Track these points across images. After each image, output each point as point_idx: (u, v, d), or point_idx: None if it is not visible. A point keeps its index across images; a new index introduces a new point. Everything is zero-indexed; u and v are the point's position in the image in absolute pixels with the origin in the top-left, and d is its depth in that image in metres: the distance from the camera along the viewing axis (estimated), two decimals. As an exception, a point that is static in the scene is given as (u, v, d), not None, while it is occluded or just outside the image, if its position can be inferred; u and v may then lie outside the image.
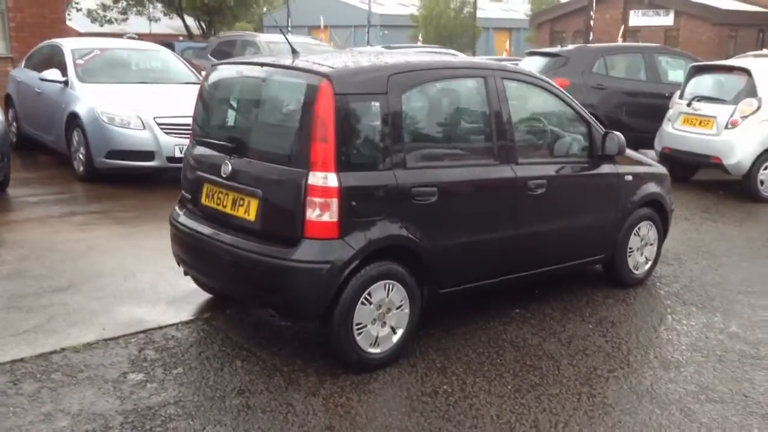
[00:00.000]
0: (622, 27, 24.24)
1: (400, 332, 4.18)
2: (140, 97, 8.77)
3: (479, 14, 55.06)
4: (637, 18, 34.36)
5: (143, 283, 5.40)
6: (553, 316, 4.97)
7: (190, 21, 27.10)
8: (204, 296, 5.11)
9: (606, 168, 5.16)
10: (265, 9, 29.19)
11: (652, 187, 5.55)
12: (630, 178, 5.36)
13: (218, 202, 4.30)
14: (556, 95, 4.99)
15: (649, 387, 3.99)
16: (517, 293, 5.12)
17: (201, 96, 4.71)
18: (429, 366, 4.18)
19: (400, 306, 4.14)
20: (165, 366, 4.11)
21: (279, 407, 3.71)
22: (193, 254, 4.53)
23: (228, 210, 4.23)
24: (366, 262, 3.95)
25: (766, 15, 34.16)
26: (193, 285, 5.18)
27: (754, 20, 33.67)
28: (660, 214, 5.67)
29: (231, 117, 4.58)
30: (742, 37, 31.98)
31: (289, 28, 23.76)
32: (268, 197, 4.00)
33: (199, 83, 9.70)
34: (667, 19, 33.14)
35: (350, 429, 3.54)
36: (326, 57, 4.36)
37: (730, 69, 9.45)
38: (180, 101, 8.91)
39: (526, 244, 4.73)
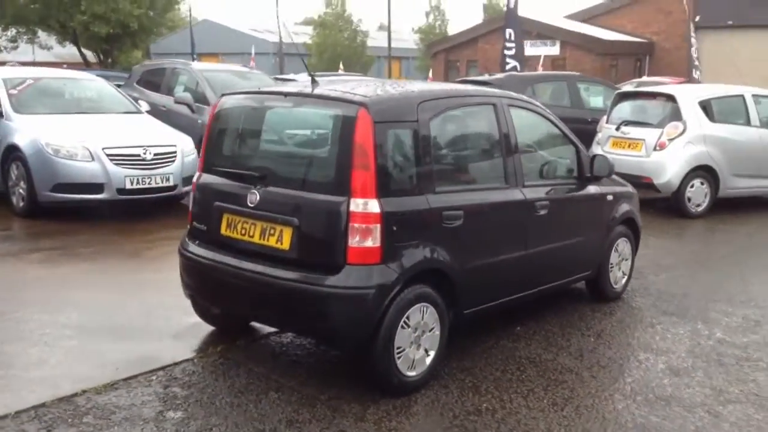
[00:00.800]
0: (542, 56, 25.29)
1: (432, 354, 4.26)
2: (85, 127, 8.47)
3: (370, 43, 56.18)
4: (526, 48, 35.92)
5: (137, 318, 5.22)
6: (553, 332, 5.18)
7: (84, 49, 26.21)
8: (206, 329, 5.01)
9: (592, 189, 5.47)
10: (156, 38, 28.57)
11: (626, 206, 5.91)
12: (611, 197, 5.70)
13: (243, 232, 4.25)
14: (549, 120, 5.27)
15: (672, 393, 4.23)
16: (511, 312, 5.30)
17: (212, 125, 4.65)
18: (460, 386, 4.27)
19: (432, 328, 4.22)
20: (200, 402, 4.00)
21: (334, 435, 3.71)
22: (214, 285, 4.44)
23: (256, 240, 4.19)
24: (405, 286, 4.02)
25: (643, 45, 36.60)
26: (191, 319, 5.08)
27: (632, 50, 36.00)
28: (633, 231, 6.04)
29: (255, 146, 4.53)
30: (622, 66, 34.13)
31: (195, 56, 23.35)
32: (305, 225, 4.00)
33: (138, 113, 9.60)
34: (554, 49, 34.85)
35: (413, 451, 3.59)
36: (352, 86, 4.42)
37: (654, 95, 10.15)
38: (126, 131, 8.71)
39: (534, 262, 4.94)
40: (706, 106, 9.61)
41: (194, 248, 4.54)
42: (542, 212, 4.91)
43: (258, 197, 4.17)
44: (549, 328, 5.25)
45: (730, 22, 32.91)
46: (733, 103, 9.96)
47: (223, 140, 4.66)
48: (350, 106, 4.01)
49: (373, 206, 3.87)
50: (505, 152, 4.74)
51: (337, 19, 57.74)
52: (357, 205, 3.87)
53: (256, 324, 5.09)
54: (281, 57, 26.44)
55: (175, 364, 4.49)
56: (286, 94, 4.39)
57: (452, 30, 50.86)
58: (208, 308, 4.85)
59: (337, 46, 51.19)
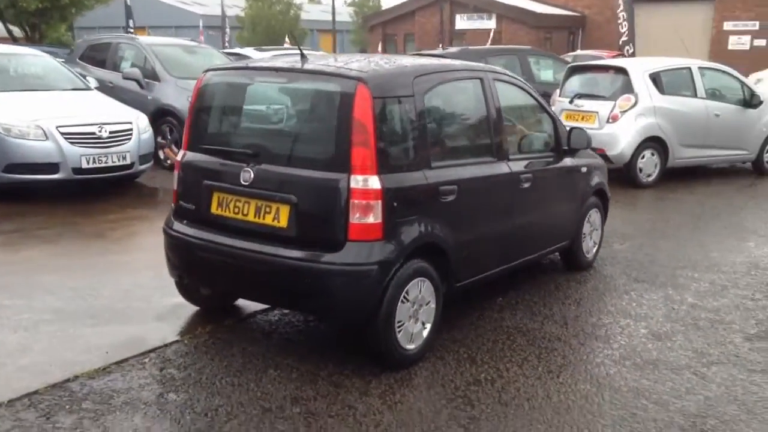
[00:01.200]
0: (492, 30, 25.33)
1: (428, 327, 4.30)
2: (35, 105, 8.16)
3: (303, 16, 55.51)
4: (462, 22, 36.09)
5: (115, 301, 5.10)
6: (534, 302, 5.30)
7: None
8: (190, 309, 4.93)
9: (569, 161, 5.58)
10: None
11: (597, 178, 6.05)
12: (585, 169, 5.83)
13: (236, 210, 4.18)
14: (529, 93, 5.34)
15: (658, 356, 4.39)
16: (491, 284, 5.36)
17: (197, 102, 4.53)
18: (456, 357, 4.33)
19: (428, 302, 4.27)
20: (199, 383, 3.96)
21: (341, 410, 3.71)
22: (205, 265, 4.36)
23: (250, 218, 4.13)
24: (404, 261, 4.03)
25: (576, 18, 37.21)
26: (172, 299, 5.01)
27: (566, 23, 36.55)
28: (603, 202, 6.20)
29: (246, 124, 4.44)
30: (556, 39, 34.64)
31: (131, 29, 22.59)
32: (303, 203, 3.96)
33: (88, 89, 9.28)
34: (490, 23, 35.12)
35: (423, 422, 3.62)
36: (344, 60, 4.37)
37: (605, 68, 10.37)
38: (79, 108, 8.43)
39: (520, 234, 5.03)
40: (655, 78, 9.88)
41: (182, 227, 4.44)
42: (526, 185, 4.99)
43: (252, 175, 4.10)
44: (529, 298, 5.36)
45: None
46: (681, 75, 10.27)
47: (210, 118, 4.55)
48: (348, 81, 3.97)
49: (374, 182, 3.86)
50: (492, 126, 4.79)
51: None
52: (357, 181, 3.86)
53: (240, 302, 5.06)
54: (223, 31, 25.83)
55: (166, 345, 4.42)
56: (277, 70, 4.31)
57: (386, 3, 50.66)
58: (196, 288, 4.78)
59: (270, 19, 50.43)
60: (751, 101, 10.52)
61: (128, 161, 8.24)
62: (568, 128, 5.52)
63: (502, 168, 4.78)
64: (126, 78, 10.48)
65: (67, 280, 5.49)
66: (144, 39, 11.55)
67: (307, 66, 4.25)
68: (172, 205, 4.65)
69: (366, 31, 40.83)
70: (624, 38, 15.90)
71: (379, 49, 30.10)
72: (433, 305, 4.30)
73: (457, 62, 4.97)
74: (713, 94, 10.38)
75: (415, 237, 4.08)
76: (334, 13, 29.71)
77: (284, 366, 4.18)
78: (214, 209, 4.29)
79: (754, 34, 34.86)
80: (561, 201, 5.57)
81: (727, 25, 35.38)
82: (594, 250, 6.16)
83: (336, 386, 3.96)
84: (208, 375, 4.06)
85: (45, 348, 4.34)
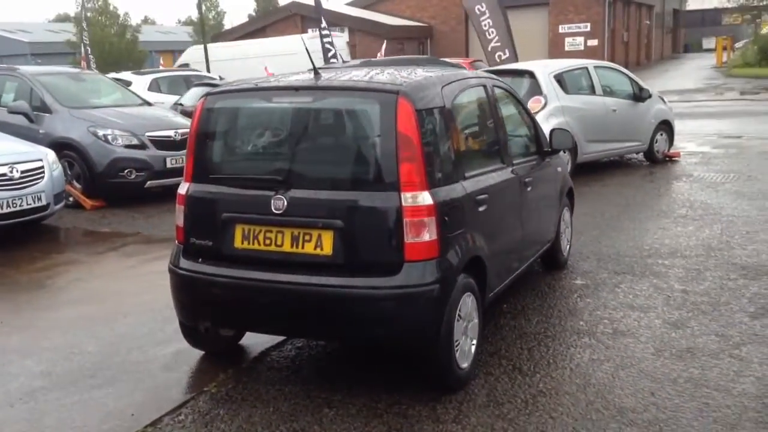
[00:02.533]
0: (385, 42, 25.19)
1: (475, 343, 4.18)
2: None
3: (141, 38, 53.57)
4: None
5: (108, 357, 4.57)
6: (538, 305, 5.28)
7: None
8: (194, 355, 4.51)
9: (551, 162, 5.64)
10: None
11: (568, 177, 6.18)
12: (560, 169, 5.92)
13: (268, 242, 3.85)
14: (516, 99, 5.34)
15: (688, 345, 4.49)
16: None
17: (199, 129, 4.13)
18: (503, 371, 4.21)
19: (473, 317, 4.14)
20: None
21: (427, 441, 3.51)
22: (233, 304, 3.98)
23: (286, 249, 3.82)
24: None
25: (423, 29, 38.30)
26: (168, 347, 4.63)
27: (415, 34, 37.53)
28: (570, 200, 6.33)
29: (269, 148, 4.09)
30: (408, 49, 35.47)
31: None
32: (350, 227, 3.70)
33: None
34: (343, 36, 35.31)
35: (516, 442, 3.50)
36: (364, 74, 4.14)
37: (514, 72, 10.65)
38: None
39: (526, 238, 5.01)
40: (560, 80, 10.27)
41: (198, 267, 4.04)
42: (529, 189, 4.99)
43: (285, 202, 3.80)
44: (531, 302, 5.35)
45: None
46: (581, 75, 10.75)
47: (218, 145, 4.16)
48: (386, 95, 3.76)
49: (426, 198, 3.68)
50: (499, 132, 4.75)
51: (99, 15, 54.37)
52: (409, 198, 3.66)
53: (245, 341, 4.69)
54: (87, 57, 24.25)
55: (193, 398, 4.02)
56: (298, 88, 4.00)
57: (228, 21, 49.84)
58: (215, 332, 4.36)
59: (105, 43, 48.20)
60: (640, 95, 11.19)
61: (44, 202, 7.48)
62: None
63: (510, 174, 4.73)
64: (12, 112, 9.53)
65: (38, 339, 4.87)
66: (26, 69, 10.57)
67: (336, 82, 4.00)
68: (177, 243, 4.22)
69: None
70: (495, 44, 16.43)
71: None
72: (476, 320, 4.18)
73: (466, 71, 4.89)
74: (608, 91, 10.95)
75: (465, 251, 3.94)
76: (204, 32, 28.61)
77: (336, 402, 3.89)
78: (239, 243, 3.93)
79: (587, 36, 37.52)
80: (548, 202, 5.61)
81: (562, 28, 37.85)
82: (568, 248, 6.27)
83: (404, 417, 3.73)
84: (262, 424, 3.70)
85: (60, 420, 3.80)
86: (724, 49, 41.28)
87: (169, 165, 9.52)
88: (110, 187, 9.32)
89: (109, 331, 4.98)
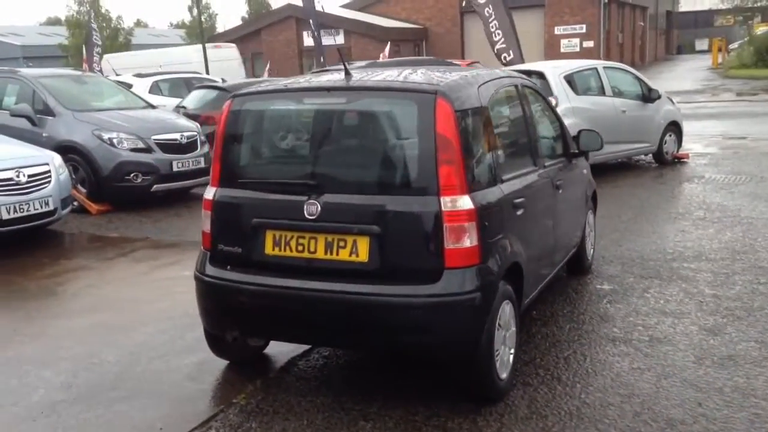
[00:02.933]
0: (388, 44, 25.13)
1: (513, 352, 4.04)
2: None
3: (134, 41, 53.48)
4: (310, 39, 36.09)
5: (130, 367, 4.41)
6: (568, 311, 5.15)
7: None
8: (218, 364, 4.35)
9: (577, 164, 5.51)
10: None
11: (592, 180, 6.06)
12: (585, 171, 5.80)
13: (300, 248, 3.71)
14: (544, 98, 5.21)
15: (728, 353, 4.34)
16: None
17: (227, 132, 3.98)
18: (541, 381, 4.07)
19: (511, 325, 4.00)
20: (295, 449, 3.46)
21: (472, 456, 3.37)
22: (264, 312, 3.83)
23: (320, 255, 3.67)
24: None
25: (418, 31, 38.19)
26: (191, 356, 4.48)
27: (410, 36, 37.41)
28: (594, 204, 6.20)
29: (299, 151, 3.95)
30: (404, 51, 35.34)
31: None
32: (387, 232, 3.55)
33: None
34: (339, 39, 35.22)
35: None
36: (397, 73, 3.99)
37: (523, 73, 10.51)
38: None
39: (557, 242, 4.88)
40: (570, 80, 10.17)
41: (227, 274, 3.88)
42: (560, 192, 4.86)
43: (319, 208, 3.65)
44: (560, 309, 5.21)
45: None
46: (590, 76, 10.64)
47: (247, 148, 4.01)
48: (424, 95, 3.62)
49: (466, 202, 3.54)
50: (531, 133, 4.62)
51: (91, 19, 54.17)
52: (449, 203, 3.52)
53: (269, 350, 4.54)
54: (91, 56, 24.16)
55: (222, 410, 3.85)
56: (330, 89, 3.86)
57: (221, 24, 49.68)
58: (243, 341, 4.20)
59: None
60: (650, 96, 11.09)
61: (51, 207, 7.31)
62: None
63: (543, 175, 4.60)
64: (14, 115, 9.33)
65: (54, 349, 4.71)
66: (28, 71, 10.37)
67: (370, 82, 3.86)
68: (203, 249, 4.06)
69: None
70: (500, 45, 16.33)
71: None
72: (514, 328, 4.03)
73: (498, 71, 4.76)
74: (617, 92, 10.84)
75: (505, 257, 3.80)
76: (203, 35, 28.56)
77: (372, 415, 3.74)
78: (270, 250, 3.78)
79: (582, 37, 37.50)
80: (576, 205, 5.48)
81: (558, 30, 37.82)
82: (592, 251, 6.14)
83: (444, 430, 3.58)
84: (298, 438, 3.56)
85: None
86: (719, 50, 41.38)
87: (175, 168, 9.36)
88: (116, 191, 9.15)
89: (128, 340, 4.82)
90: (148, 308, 5.47)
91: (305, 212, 3.68)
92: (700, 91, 26.08)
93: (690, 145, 12.90)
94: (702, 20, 65.27)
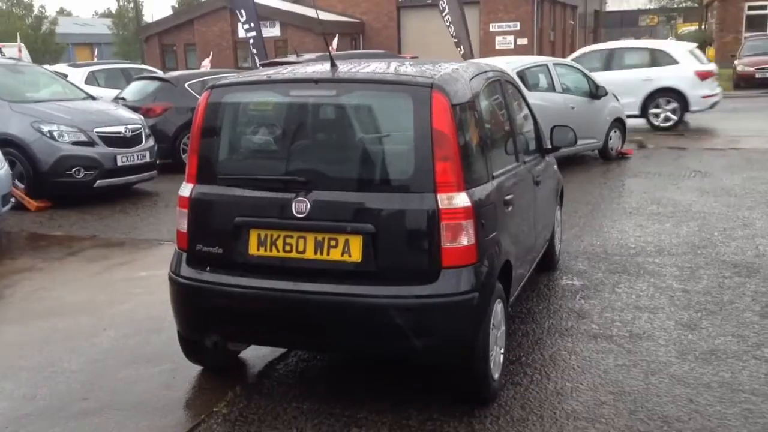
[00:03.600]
0: (336, 37, 24.72)
1: (503, 352, 3.96)
2: None
3: (58, 30, 51.57)
4: (243, 31, 35.46)
5: (96, 377, 4.13)
6: (543, 308, 5.11)
7: None
8: (191, 371, 4.14)
9: (548, 160, 5.48)
10: None
11: (560, 175, 6.04)
12: (555, 167, 5.77)
13: (288, 248, 3.53)
14: (521, 94, 5.14)
15: (709, 347, 4.36)
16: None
17: (204, 126, 3.75)
18: (531, 380, 4.00)
19: (501, 325, 3.92)
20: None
21: (474, 461, 3.26)
22: (248, 316, 3.65)
23: (309, 255, 3.50)
24: (493, 283, 3.67)
25: (355, 24, 38.00)
26: (161, 364, 4.24)
27: (347, 29, 37.14)
28: (561, 200, 6.20)
29: (285, 146, 3.73)
30: (340, 45, 35.04)
31: None
32: (382, 231, 3.42)
33: None
34: (274, 30, 34.71)
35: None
36: (390, 66, 3.84)
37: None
38: None
39: (536, 240, 4.83)
40: (522, 76, 10.19)
41: (207, 276, 3.68)
42: (538, 188, 4.82)
43: (309, 205, 3.48)
44: (534, 305, 5.16)
45: (429, 1, 35.33)
46: (541, 72, 10.71)
47: (228, 142, 3.80)
48: (419, 88, 3.48)
49: (463, 199, 3.43)
50: (514, 129, 4.55)
51: (12, 6, 52.23)
52: (445, 200, 3.40)
53: (244, 355, 4.34)
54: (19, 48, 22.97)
55: (203, 421, 3.65)
56: (318, 81, 3.68)
57: (148, 13, 48.52)
58: (223, 346, 3.98)
59: (21, 35, 46.28)
60: (596, 93, 11.23)
61: (-9, 204, 6.87)
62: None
63: (525, 171, 4.54)
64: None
65: (11, 358, 4.39)
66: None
67: (361, 75, 3.70)
68: (179, 250, 3.84)
69: (141, 43, 38.49)
70: (454, 40, 16.38)
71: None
72: (504, 328, 3.96)
73: (484, 64, 4.66)
74: (566, 88, 10.94)
75: (499, 256, 3.72)
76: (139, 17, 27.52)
77: (363, 420, 3.61)
78: (254, 250, 3.59)
79: (516, 34, 37.97)
80: (550, 201, 5.46)
81: (493, 27, 38.19)
82: (558, 246, 6.14)
83: (442, 435, 3.49)
84: (290, 447, 3.39)
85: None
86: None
87: (119, 163, 8.96)
88: (56, 186, 8.70)
89: (90, 347, 4.54)
90: (108, 312, 5.17)
91: (293, 210, 3.50)
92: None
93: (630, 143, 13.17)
94: (627, 20, 67.10)
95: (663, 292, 5.37)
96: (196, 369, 4.18)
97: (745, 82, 23.56)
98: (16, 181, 8.63)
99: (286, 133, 3.75)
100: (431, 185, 3.41)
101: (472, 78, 3.90)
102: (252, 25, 19.21)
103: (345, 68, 3.82)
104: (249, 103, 3.87)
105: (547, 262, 5.87)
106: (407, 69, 3.79)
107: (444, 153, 3.42)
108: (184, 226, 3.79)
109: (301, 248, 3.53)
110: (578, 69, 11.44)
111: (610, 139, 11.63)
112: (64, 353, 4.44)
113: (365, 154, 3.62)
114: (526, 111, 5.17)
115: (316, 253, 3.51)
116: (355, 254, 3.46)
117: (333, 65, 3.80)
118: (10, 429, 3.57)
